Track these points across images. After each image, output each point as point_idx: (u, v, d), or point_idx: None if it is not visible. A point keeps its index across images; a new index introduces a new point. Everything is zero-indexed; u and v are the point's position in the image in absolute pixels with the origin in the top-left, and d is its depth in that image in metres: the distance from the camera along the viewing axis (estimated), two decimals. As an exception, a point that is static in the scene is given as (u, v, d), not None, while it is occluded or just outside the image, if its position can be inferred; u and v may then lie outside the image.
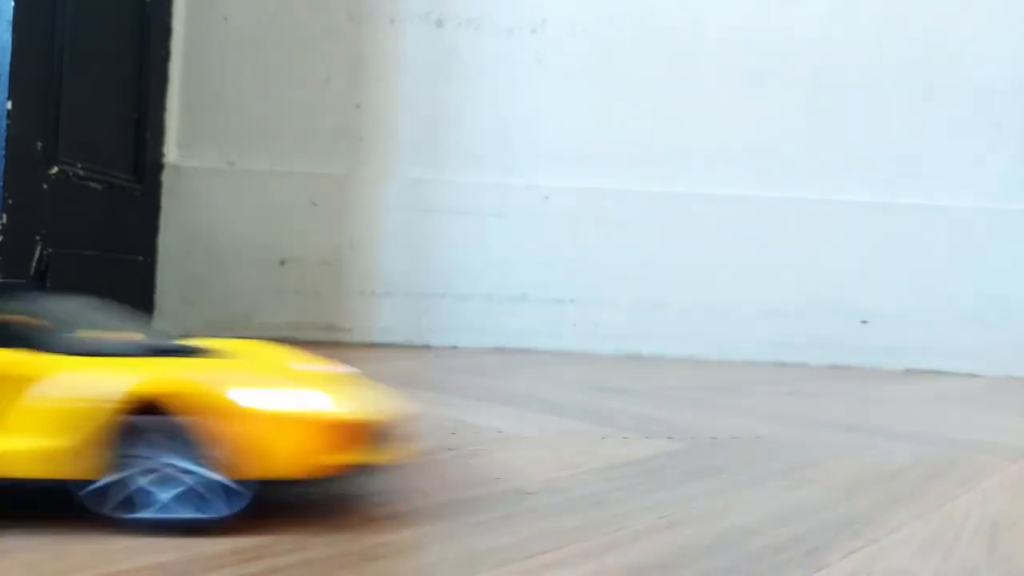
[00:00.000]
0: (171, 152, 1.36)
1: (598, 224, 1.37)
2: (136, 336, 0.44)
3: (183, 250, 1.35)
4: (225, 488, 0.38)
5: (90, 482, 0.37)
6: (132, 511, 0.37)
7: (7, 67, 0.97)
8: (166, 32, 1.34)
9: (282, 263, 1.36)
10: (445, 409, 0.75)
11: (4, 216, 0.98)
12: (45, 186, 1.05)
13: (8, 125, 0.98)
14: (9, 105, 0.97)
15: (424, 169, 1.38)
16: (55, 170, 1.07)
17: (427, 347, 1.34)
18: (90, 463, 0.37)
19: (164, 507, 0.37)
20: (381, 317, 1.36)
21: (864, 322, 1.34)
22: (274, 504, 0.42)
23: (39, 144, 1.04)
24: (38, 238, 1.04)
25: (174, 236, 1.35)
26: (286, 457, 0.38)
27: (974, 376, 1.29)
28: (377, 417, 0.41)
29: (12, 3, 0.97)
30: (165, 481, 0.38)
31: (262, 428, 0.38)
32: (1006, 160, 1.36)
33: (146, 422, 0.37)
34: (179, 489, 0.38)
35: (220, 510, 0.38)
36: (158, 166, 1.34)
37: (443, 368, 1.11)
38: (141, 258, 1.31)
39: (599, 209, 1.37)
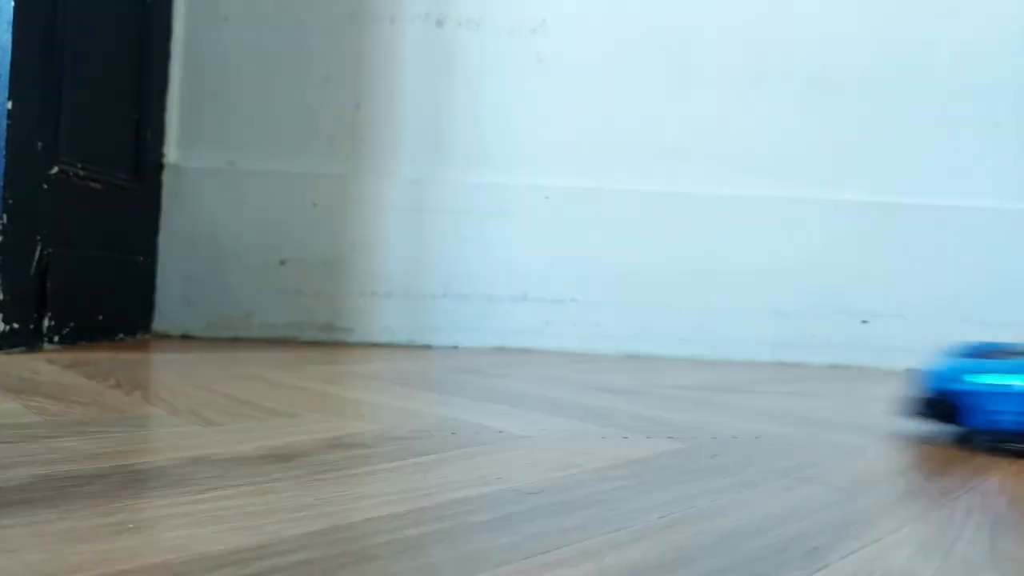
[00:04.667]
0: (171, 152, 1.36)
1: (598, 224, 1.37)
2: None
3: (183, 250, 1.35)
4: None
5: None
6: None
7: (7, 67, 0.97)
8: (166, 32, 1.34)
9: (282, 263, 1.36)
10: (445, 409, 0.75)
11: (4, 216, 0.98)
12: (45, 186, 1.06)
13: (8, 125, 0.98)
14: (9, 105, 0.98)
15: (424, 169, 1.38)
16: (55, 170, 1.07)
17: (428, 347, 1.34)
18: None
19: None
20: (382, 317, 1.36)
21: (864, 322, 1.34)
22: (274, 504, 0.42)
23: (39, 144, 1.04)
24: (38, 238, 1.04)
25: (174, 236, 1.35)
26: None
27: (974, 376, 1.29)
28: None
29: (12, 3, 0.97)
30: None
31: None
32: (1006, 160, 1.36)
33: None
34: None
35: None
36: (158, 166, 1.34)
37: (443, 368, 1.11)
38: (141, 258, 1.31)
39: (599, 209, 1.37)
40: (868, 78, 1.36)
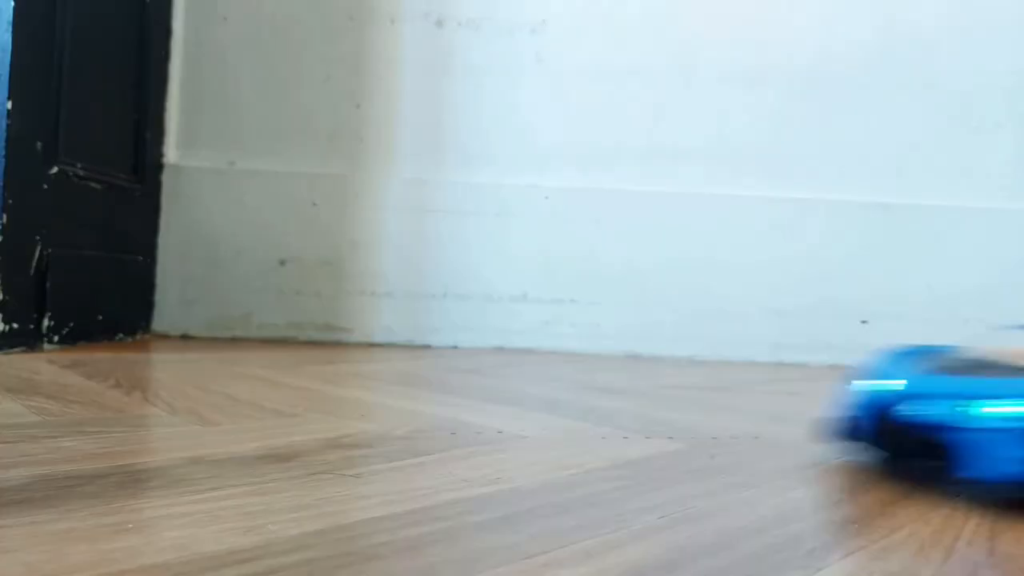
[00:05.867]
0: (171, 152, 1.36)
1: (598, 224, 1.37)
2: None
3: (183, 250, 1.35)
4: None
5: None
6: None
7: (7, 67, 0.97)
8: (166, 32, 1.34)
9: (282, 263, 1.36)
10: (445, 409, 0.75)
11: (4, 216, 0.98)
12: (45, 186, 1.06)
13: (8, 125, 0.98)
14: (9, 105, 0.98)
15: (424, 169, 1.38)
16: (55, 170, 1.07)
17: (427, 347, 1.34)
18: None
19: None
20: (382, 317, 1.36)
21: (864, 322, 1.34)
22: (273, 504, 0.42)
23: (39, 144, 1.04)
24: (38, 238, 1.04)
25: (174, 236, 1.35)
26: None
27: (974, 376, 1.29)
28: None
29: (12, 3, 0.97)
30: None
31: None
32: (1006, 160, 1.36)
33: None
34: None
35: None
36: (158, 166, 1.34)
37: (443, 368, 1.11)
38: (141, 258, 1.31)
39: (599, 209, 1.37)
40: (868, 78, 1.36)
